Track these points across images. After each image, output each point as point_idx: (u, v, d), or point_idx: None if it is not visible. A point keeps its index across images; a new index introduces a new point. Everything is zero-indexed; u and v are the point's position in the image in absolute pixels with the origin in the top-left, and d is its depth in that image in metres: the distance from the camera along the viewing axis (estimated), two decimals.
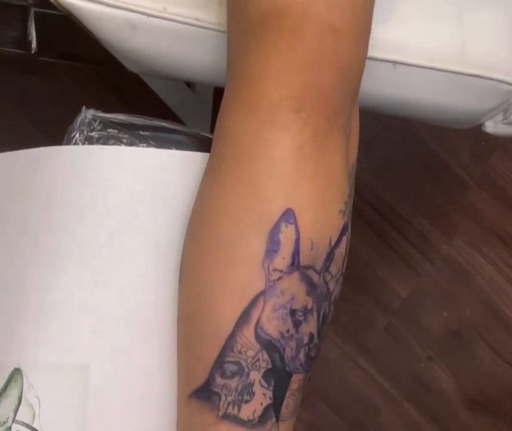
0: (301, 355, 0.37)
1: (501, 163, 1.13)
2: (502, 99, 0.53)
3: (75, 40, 0.56)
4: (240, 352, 0.36)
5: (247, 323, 0.36)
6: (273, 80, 0.37)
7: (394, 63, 0.51)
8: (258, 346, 0.36)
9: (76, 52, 0.62)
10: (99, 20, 0.50)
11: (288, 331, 0.36)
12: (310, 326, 0.37)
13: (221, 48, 0.49)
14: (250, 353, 0.36)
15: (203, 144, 0.46)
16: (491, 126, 0.56)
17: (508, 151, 1.13)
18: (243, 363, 0.36)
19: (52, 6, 0.50)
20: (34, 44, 0.58)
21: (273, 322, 0.36)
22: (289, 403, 0.38)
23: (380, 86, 0.52)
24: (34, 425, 0.40)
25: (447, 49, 0.51)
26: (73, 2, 0.49)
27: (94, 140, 0.45)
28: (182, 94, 0.95)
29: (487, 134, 0.58)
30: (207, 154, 0.42)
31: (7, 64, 0.88)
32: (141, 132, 0.46)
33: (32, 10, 0.57)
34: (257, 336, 0.36)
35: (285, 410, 0.37)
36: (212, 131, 0.46)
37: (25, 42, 0.59)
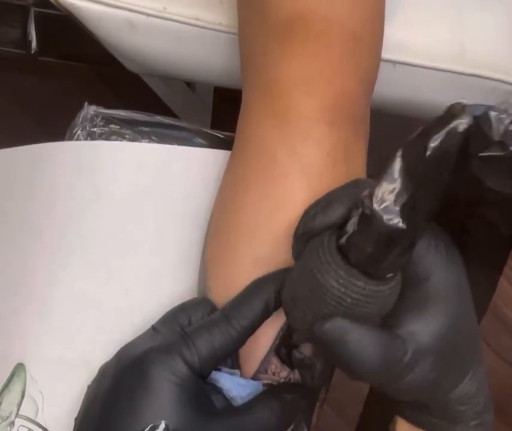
0: (328, 367, 0.37)
1: None
2: (502, 99, 0.53)
3: (75, 40, 0.56)
4: (274, 374, 0.36)
5: (282, 344, 0.36)
6: (303, 89, 0.36)
7: (394, 63, 0.51)
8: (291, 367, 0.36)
9: (76, 52, 0.62)
10: (99, 20, 0.50)
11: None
12: None
13: (221, 48, 0.49)
14: (283, 374, 0.36)
15: (205, 140, 0.46)
16: None
17: None
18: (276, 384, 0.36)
19: (52, 6, 0.50)
20: (34, 44, 0.58)
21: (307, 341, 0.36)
22: (317, 413, 0.38)
23: (380, 86, 0.52)
24: (38, 420, 0.40)
25: (447, 49, 0.51)
26: (73, 2, 0.49)
27: (97, 136, 0.45)
28: (182, 94, 0.95)
29: None
30: (208, 150, 0.42)
31: (7, 64, 0.88)
32: (143, 128, 0.46)
33: (32, 10, 0.57)
34: (292, 356, 0.36)
35: (314, 419, 0.38)
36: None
37: (25, 42, 0.59)
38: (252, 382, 0.35)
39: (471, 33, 0.51)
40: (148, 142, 0.45)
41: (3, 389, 0.41)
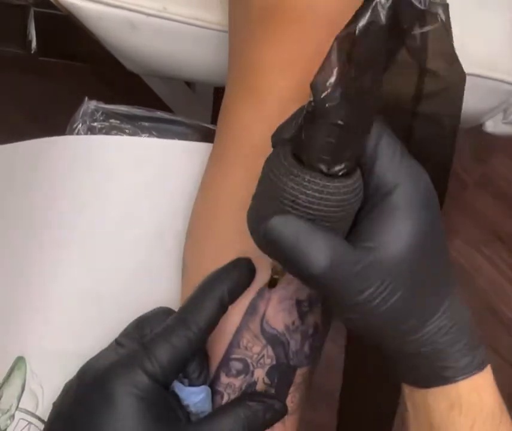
0: (306, 348, 0.37)
1: (501, 163, 1.13)
2: (502, 98, 0.53)
3: (75, 40, 0.56)
4: (246, 348, 0.36)
5: (254, 316, 0.36)
6: (281, 71, 0.36)
7: None
8: (263, 341, 0.36)
9: (76, 52, 0.62)
10: (99, 20, 0.50)
11: (293, 323, 0.36)
12: (315, 316, 0.37)
13: (221, 48, 0.49)
14: (256, 349, 0.36)
15: (204, 134, 0.46)
16: (491, 126, 0.56)
17: (508, 151, 1.13)
18: (249, 360, 0.36)
19: (52, 6, 0.50)
20: (34, 44, 0.58)
21: (279, 315, 0.36)
22: (295, 396, 0.38)
23: None
24: (37, 413, 0.40)
25: None
26: (73, 1, 0.49)
27: (97, 130, 0.45)
28: (182, 94, 0.95)
29: (487, 134, 0.57)
30: (208, 144, 0.42)
31: (7, 64, 0.88)
32: (143, 123, 0.46)
33: (32, 10, 0.56)
34: (263, 330, 0.36)
35: (290, 404, 0.37)
36: None
37: (25, 42, 0.58)
38: (201, 387, 0.35)
39: (471, 33, 0.51)
40: (148, 136, 0.45)
41: (3, 383, 0.41)
